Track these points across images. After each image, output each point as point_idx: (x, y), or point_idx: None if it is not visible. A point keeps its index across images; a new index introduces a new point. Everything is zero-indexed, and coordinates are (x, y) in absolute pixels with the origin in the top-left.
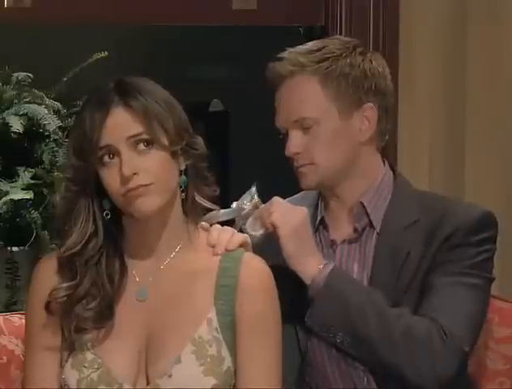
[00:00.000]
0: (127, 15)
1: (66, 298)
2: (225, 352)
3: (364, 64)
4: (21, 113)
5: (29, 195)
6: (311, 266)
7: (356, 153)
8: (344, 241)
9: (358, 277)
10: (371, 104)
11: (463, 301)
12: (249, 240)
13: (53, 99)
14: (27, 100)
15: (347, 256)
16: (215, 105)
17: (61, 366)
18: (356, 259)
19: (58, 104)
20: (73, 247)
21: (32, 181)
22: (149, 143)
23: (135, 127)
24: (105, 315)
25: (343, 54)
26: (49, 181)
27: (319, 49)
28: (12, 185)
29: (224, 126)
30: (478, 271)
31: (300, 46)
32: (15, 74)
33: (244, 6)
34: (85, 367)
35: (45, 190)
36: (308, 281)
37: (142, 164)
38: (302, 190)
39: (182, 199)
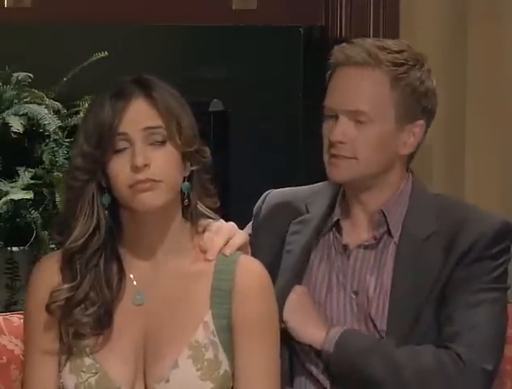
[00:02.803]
0: (127, 15)
1: (65, 301)
2: (222, 356)
3: (428, 82)
4: (21, 113)
5: (29, 195)
6: (316, 332)
7: (392, 163)
8: (360, 246)
9: (372, 285)
10: (422, 122)
11: (485, 320)
12: (247, 240)
13: (53, 99)
14: (27, 100)
15: (361, 262)
16: (215, 105)
17: (59, 370)
18: (371, 266)
19: (58, 104)
20: (79, 239)
21: (32, 181)
22: (164, 139)
23: (154, 120)
24: (104, 322)
25: (416, 66)
26: (49, 181)
27: (398, 52)
28: (12, 185)
29: (224, 126)
30: (497, 284)
31: (378, 40)
32: (15, 74)
33: (244, 6)
34: (83, 372)
35: (45, 190)
36: (318, 348)
37: (155, 159)
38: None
39: (184, 205)
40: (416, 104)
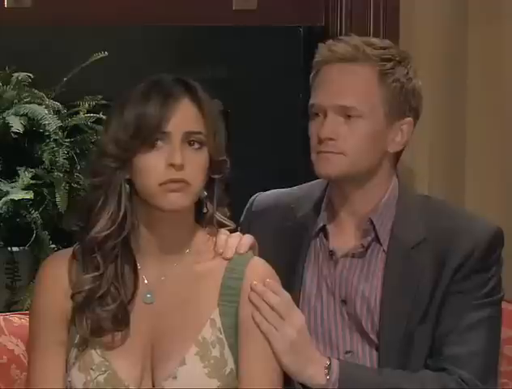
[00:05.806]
0: (127, 15)
1: (87, 292)
2: (228, 354)
3: (415, 81)
4: (21, 113)
5: (29, 195)
6: (316, 374)
7: (380, 162)
8: (347, 254)
9: (359, 296)
10: (410, 119)
11: (485, 343)
12: (255, 241)
13: (53, 99)
14: (27, 100)
15: (348, 270)
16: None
17: (67, 368)
18: (357, 275)
19: (58, 104)
20: (104, 229)
21: (32, 181)
22: (202, 144)
23: (197, 124)
24: (122, 319)
25: (402, 63)
26: (49, 181)
27: (384, 48)
28: (12, 185)
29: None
30: (492, 297)
31: (363, 37)
32: (15, 74)
33: (244, 6)
34: (92, 370)
35: (45, 190)
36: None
37: (190, 161)
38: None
39: (201, 211)
40: (404, 101)
